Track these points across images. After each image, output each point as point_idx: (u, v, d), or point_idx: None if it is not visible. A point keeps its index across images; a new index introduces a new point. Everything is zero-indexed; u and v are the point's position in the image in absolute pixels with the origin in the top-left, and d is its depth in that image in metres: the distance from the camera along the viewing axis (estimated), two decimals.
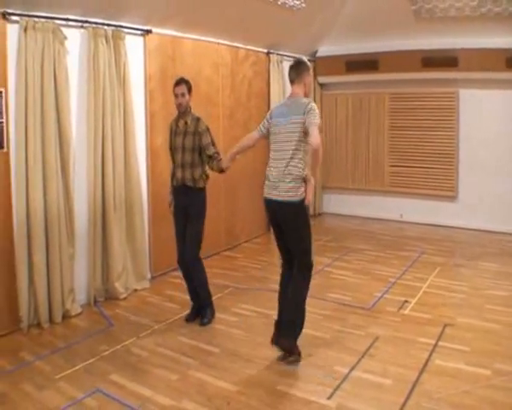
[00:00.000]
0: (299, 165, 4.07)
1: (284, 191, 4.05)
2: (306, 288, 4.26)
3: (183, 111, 4.93)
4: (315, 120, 3.98)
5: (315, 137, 3.89)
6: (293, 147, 4.06)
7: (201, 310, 5.07)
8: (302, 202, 4.06)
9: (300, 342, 4.26)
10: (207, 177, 5.04)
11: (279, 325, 4.33)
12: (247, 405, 3.62)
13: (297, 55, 8.96)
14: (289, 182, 4.03)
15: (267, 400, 3.67)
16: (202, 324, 4.98)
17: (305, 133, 4.01)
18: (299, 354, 4.21)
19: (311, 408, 3.55)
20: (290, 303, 4.20)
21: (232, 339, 4.68)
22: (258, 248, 7.91)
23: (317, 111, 4.06)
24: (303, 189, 4.06)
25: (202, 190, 4.99)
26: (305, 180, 4.08)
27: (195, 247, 4.94)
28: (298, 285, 4.21)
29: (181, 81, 4.91)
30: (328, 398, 3.66)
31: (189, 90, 4.94)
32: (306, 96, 4.26)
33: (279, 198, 4.08)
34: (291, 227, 4.17)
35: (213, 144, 4.94)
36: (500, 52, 7.59)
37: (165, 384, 3.91)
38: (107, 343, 4.62)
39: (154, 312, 5.36)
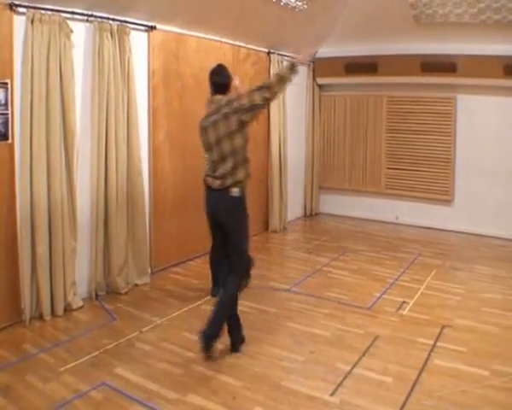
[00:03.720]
0: None
1: None
2: None
3: None
4: None
5: None
6: None
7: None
8: None
9: (302, 338, 4.33)
10: None
11: None
12: (253, 399, 3.66)
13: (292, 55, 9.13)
14: None
15: (272, 395, 3.72)
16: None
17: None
18: None
19: (315, 404, 3.61)
20: None
21: None
22: (256, 246, 7.92)
23: None
24: None
25: None
26: None
27: None
28: None
29: None
30: (331, 394, 3.72)
31: None
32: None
33: None
34: None
35: None
36: (498, 59, 7.66)
37: (171, 378, 3.94)
38: (110, 337, 4.63)
39: (156, 307, 5.37)
